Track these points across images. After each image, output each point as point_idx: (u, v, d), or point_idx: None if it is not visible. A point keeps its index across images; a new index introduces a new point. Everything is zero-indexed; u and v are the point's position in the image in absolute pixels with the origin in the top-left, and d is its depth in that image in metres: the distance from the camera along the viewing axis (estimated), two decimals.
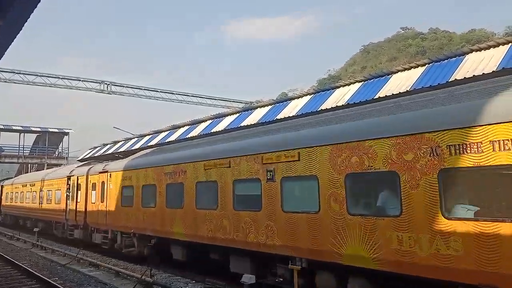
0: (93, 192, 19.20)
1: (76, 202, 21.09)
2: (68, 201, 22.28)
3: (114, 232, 17.26)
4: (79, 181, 21.17)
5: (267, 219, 9.71)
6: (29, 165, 53.23)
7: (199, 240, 11.97)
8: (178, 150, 14.47)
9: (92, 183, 19.43)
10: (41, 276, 13.65)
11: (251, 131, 13.14)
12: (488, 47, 12.90)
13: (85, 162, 26.99)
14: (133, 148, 29.25)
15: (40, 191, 27.45)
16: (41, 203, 26.90)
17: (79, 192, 21.02)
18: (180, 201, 12.80)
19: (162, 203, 13.70)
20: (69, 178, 22.61)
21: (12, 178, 43.94)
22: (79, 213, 20.78)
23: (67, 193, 22.27)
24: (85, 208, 19.93)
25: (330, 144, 8.58)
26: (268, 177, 9.79)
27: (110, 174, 17.55)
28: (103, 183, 18.20)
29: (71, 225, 22.02)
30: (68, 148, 52.10)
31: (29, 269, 14.94)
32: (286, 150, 9.44)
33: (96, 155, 36.21)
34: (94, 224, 19.28)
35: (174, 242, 13.51)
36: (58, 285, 12.22)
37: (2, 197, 38.61)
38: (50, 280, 12.94)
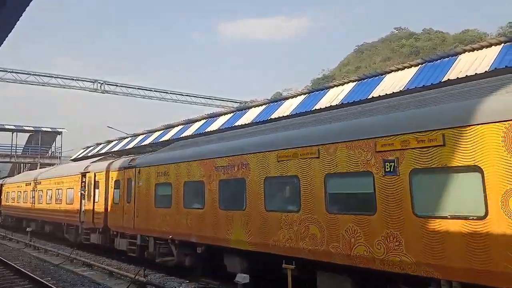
0: (116, 190, 16.56)
1: (94, 202, 18.32)
2: (83, 201, 19.45)
3: (145, 238, 14.51)
4: (96, 178, 18.42)
5: (386, 226, 7.18)
6: (22, 164, 52.93)
7: (270, 250, 9.31)
8: (235, 138, 11.70)
9: (115, 181, 16.77)
10: (34, 276, 13.46)
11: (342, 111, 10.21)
12: (481, 48, 13.01)
13: (100, 157, 24.05)
14: (127, 148, 29.18)
15: (47, 190, 24.59)
16: (49, 203, 23.98)
17: (96, 190, 18.27)
18: (241, 201, 10.22)
19: (213, 203, 11.09)
20: (83, 175, 19.68)
21: (6, 177, 40.94)
22: (97, 215, 18.08)
23: (82, 191, 19.51)
24: (105, 209, 17.32)
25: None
26: (387, 170, 7.34)
27: (139, 170, 14.81)
28: (129, 180, 15.49)
29: (86, 229, 19.19)
30: (61, 147, 51.83)
31: (21, 269, 14.70)
32: (419, 132, 6.86)
33: (89, 154, 36.08)
34: (117, 228, 16.45)
35: (230, 252, 10.77)
36: (51, 285, 12.03)
37: (1, 197, 35.38)
38: (43, 280, 12.75)
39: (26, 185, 28.77)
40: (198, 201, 11.81)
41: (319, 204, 8.33)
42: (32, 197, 27.15)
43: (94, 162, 20.46)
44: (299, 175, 8.81)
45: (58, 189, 22.83)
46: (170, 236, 12.75)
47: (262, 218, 9.58)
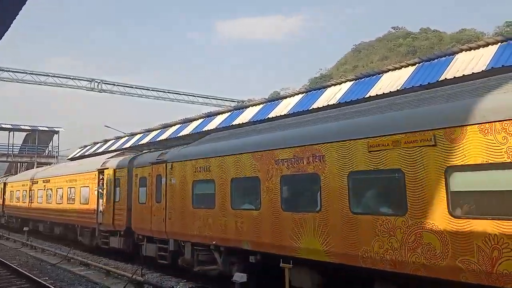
0: (142, 189, 14.43)
1: (114, 202, 16.40)
2: (100, 200, 17.54)
3: (180, 243, 12.51)
4: (117, 175, 16.53)
5: None
6: (19, 164, 52.69)
7: (360, 263, 7.39)
8: (302, 125, 9.63)
9: (140, 178, 14.59)
10: (31, 275, 13.35)
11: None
12: (478, 47, 13.00)
13: (118, 152, 21.74)
14: (124, 147, 29.11)
15: (57, 188, 22.42)
16: (60, 203, 21.86)
17: (117, 189, 16.41)
18: (313, 201, 8.37)
19: (273, 203, 9.10)
20: (101, 171, 17.78)
21: (8, 175, 38.34)
22: (118, 216, 16.13)
23: (99, 190, 17.62)
24: (128, 210, 15.34)
25: None
26: None
27: (172, 165, 12.79)
28: (158, 177, 13.46)
29: (105, 231, 17.16)
30: (58, 146, 51.62)
31: (18, 269, 14.58)
32: None
33: (86, 153, 35.99)
34: (143, 231, 14.36)
35: (297, 262, 8.69)
36: (49, 285, 11.92)
37: (5, 196, 32.66)
38: (40, 280, 12.66)
39: (32, 183, 26.49)
40: (251, 201, 9.98)
41: (437, 205, 6.41)
42: (40, 197, 24.89)
43: (112, 157, 18.53)
44: (403, 169, 6.88)
45: (70, 187, 20.77)
46: (214, 242, 10.79)
47: (346, 223, 7.63)
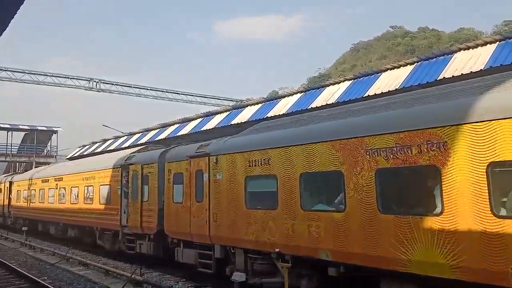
0: (177, 186, 12.69)
1: (141, 201, 14.44)
2: (124, 199, 15.55)
3: (228, 250, 10.60)
4: (145, 171, 14.51)
5: None
6: (18, 164, 52.60)
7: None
8: (406, 105, 7.59)
9: (175, 174, 12.82)
10: (30, 275, 13.29)
11: None
12: (476, 46, 13.00)
13: (142, 146, 19.89)
14: (123, 146, 29.10)
15: (72, 187, 20.36)
16: (75, 203, 19.80)
17: (145, 187, 14.43)
18: (429, 202, 6.57)
19: (366, 204, 7.23)
20: (125, 168, 15.71)
21: (16, 173, 35.63)
22: (147, 218, 14.15)
23: (124, 188, 15.63)
24: (159, 210, 13.51)
25: None
26: None
27: (216, 159, 11.00)
28: (199, 172, 11.66)
29: (130, 234, 15.19)
30: (56, 146, 51.52)
31: (17, 269, 14.53)
32: None
33: (85, 153, 35.96)
34: (179, 235, 12.51)
35: (401, 278, 6.95)
36: (48, 285, 11.90)
37: (11, 196, 30.07)
38: (39, 280, 12.61)
39: (42, 182, 24.31)
40: (330, 201, 8.23)
41: None
42: (51, 196, 22.67)
43: (137, 152, 16.58)
44: None
45: (87, 186, 18.71)
46: (277, 250, 8.93)
47: (487, 230, 5.72)
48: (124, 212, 15.46)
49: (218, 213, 10.81)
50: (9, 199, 30.32)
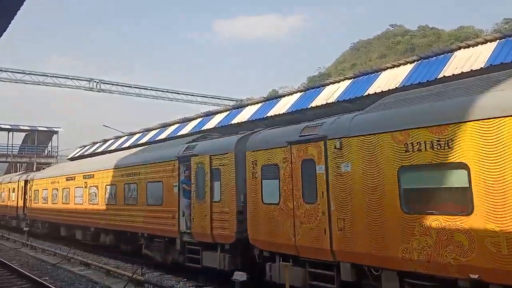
0: (267, 182, 9.89)
1: (211, 202, 11.59)
2: (184, 199, 12.77)
3: (367, 270, 7.82)
4: (214, 163, 11.65)
5: None
6: (18, 164, 52.73)
7: None
8: None
9: (263, 166, 10.04)
10: (32, 275, 13.34)
11: None
12: (476, 44, 12.97)
13: (202, 133, 16.37)
14: (123, 146, 29.09)
15: (106, 185, 17.39)
16: (111, 204, 16.90)
17: (216, 183, 11.54)
18: None
19: None
20: (183, 160, 12.95)
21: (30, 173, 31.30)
22: (219, 223, 11.26)
23: (184, 185, 12.79)
24: (238, 214, 10.79)
25: None
26: None
27: (340, 143, 8.21)
28: (307, 163, 8.94)
29: (193, 243, 12.27)
30: (57, 147, 51.61)
31: (19, 269, 14.57)
32: None
33: (86, 153, 35.93)
34: (274, 247, 9.64)
35: None
36: (49, 285, 11.91)
37: (27, 197, 27.00)
38: (40, 280, 12.66)
39: (67, 180, 21.27)
40: None
41: None
42: (79, 196, 19.68)
43: (195, 141, 13.51)
44: None
45: (129, 183, 15.77)
46: (476, 276, 6.13)
47: None
48: (184, 216, 12.76)
49: (346, 219, 7.97)
50: (24, 200, 27.54)
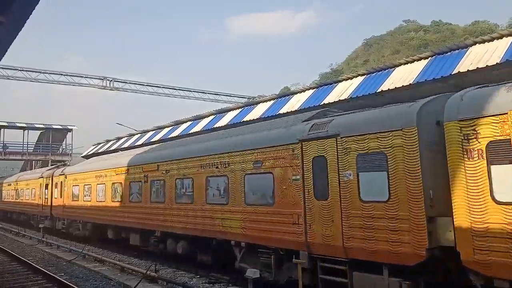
0: (498, 168, 6.40)
1: (339, 200, 8.74)
2: (312, 199, 9.27)
3: None
4: (371, 145, 8.20)
5: None
6: (34, 162, 53.53)
7: None
8: None
9: (489, 143, 6.46)
10: (47, 272, 13.58)
11: None
12: (492, 39, 12.72)
13: (319, 110, 11.89)
14: (136, 144, 29.29)
15: (177, 179, 14.03)
16: (188, 202, 13.41)
17: (373, 174, 8.18)
18: None
19: None
20: (309, 143, 9.47)
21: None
22: (391, 234, 7.65)
23: (315, 179, 9.37)
24: (429, 221, 7.25)
25: None
26: None
27: None
28: None
29: (329, 260, 8.72)
30: (72, 144, 52.20)
31: (35, 265, 14.85)
32: None
33: (100, 151, 36.26)
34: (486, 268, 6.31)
35: None
36: (64, 281, 12.13)
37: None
38: (56, 276, 12.89)
39: (116, 174, 18.02)
40: None
41: None
42: (135, 193, 16.47)
43: (313, 117, 10.60)
44: None
45: (212, 176, 12.46)
46: None
47: None
48: (309, 223, 9.37)
49: None
50: (50, 197, 25.26)
